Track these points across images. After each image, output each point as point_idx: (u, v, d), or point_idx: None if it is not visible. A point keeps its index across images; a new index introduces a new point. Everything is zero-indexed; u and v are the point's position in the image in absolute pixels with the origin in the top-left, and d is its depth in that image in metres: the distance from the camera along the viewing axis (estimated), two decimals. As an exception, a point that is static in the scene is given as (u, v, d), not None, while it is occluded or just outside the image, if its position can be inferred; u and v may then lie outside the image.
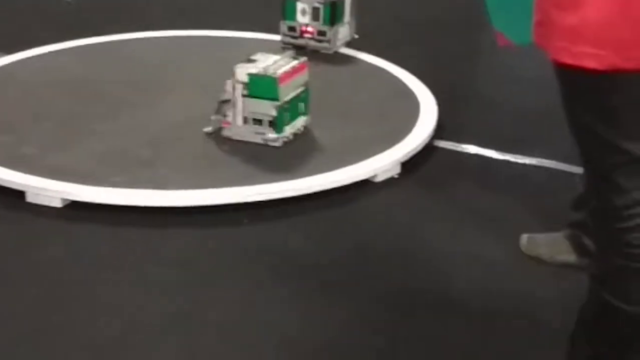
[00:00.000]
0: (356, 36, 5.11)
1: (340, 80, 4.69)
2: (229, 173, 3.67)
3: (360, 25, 5.13)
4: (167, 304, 2.94)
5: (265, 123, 3.85)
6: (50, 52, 4.89)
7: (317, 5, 4.91)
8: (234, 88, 3.87)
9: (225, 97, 3.91)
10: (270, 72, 3.84)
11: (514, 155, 3.98)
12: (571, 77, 2.34)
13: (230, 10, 5.79)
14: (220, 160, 3.81)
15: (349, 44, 5.06)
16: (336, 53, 4.96)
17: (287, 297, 3.00)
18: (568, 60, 2.30)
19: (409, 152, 3.87)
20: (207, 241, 3.33)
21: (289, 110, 3.90)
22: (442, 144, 4.09)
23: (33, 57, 4.81)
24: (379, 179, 3.74)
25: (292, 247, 3.31)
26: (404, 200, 3.64)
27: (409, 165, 3.84)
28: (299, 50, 4.94)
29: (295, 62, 3.97)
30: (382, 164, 3.76)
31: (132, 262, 3.18)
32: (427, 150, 3.97)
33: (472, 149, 4.06)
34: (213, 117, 3.95)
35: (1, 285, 3.03)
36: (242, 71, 3.85)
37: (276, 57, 3.99)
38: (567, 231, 3.17)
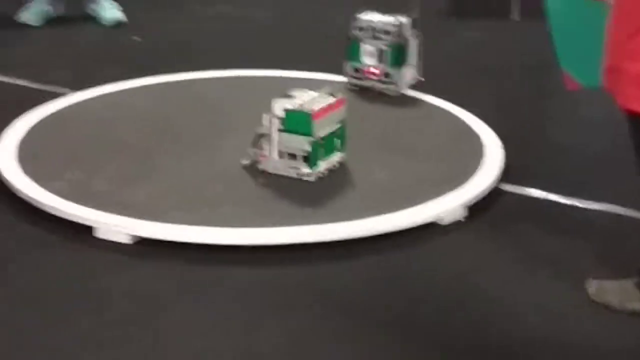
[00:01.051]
0: (422, 79, 5.12)
1: (404, 122, 4.69)
2: (291, 211, 3.71)
3: (426, 67, 5.14)
4: (231, 341, 2.96)
5: (300, 158, 3.89)
6: (119, 90, 4.97)
7: (383, 47, 4.93)
8: (270, 122, 3.92)
9: (263, 130, 3.96)
10: (305, 107, 3.88)
11: (581, 200, 3.95)
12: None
13: (298, 51, 5.83)
14: (282, 197, 3.83)
15: (415, 87, 5.07)
16: (402, 95, 4.97)
17: (345, 338, 2.99)
18: (638, 107, 2.30)
19: (476, 195, 3.85)
20: (270, 279, 3.34)
21: (324, 146, 3.94)
22: (508, 187, 4.07)
23: (103, 94, 4.90)
24: (446, 221, 3.73)
25: (355, 288, 3.30)
26: (470, 245, 3.62)
27: (476, 208, 3.82)
28: (365, 91, 4.98)
29: (332, 99, 4.02)
30: (449, 207, 3.75)
31: (195, 300, 3.20)
32: (493, 194, 3.96)
33: (538, 193, 4.03)
34: (250, 150, 3.99)
35: (62, 317, 3.07)
36: (279, 106, 3.91)
37: (314, 94, 4.04)
38: (637, 278, 3.13)
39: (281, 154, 3.95)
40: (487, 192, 3.91)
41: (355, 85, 5.01)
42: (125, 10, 6.35)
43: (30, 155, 4.14)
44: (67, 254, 3.47)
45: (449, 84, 5.24)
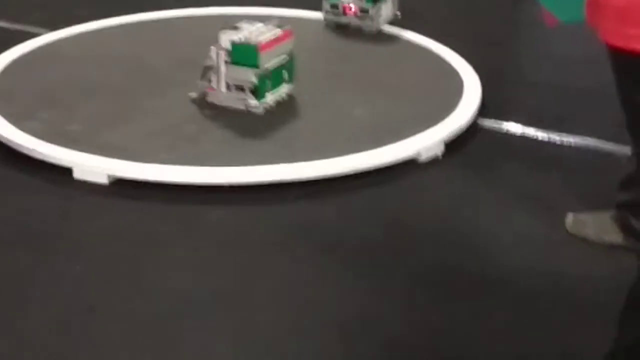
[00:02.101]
0: (399, 14, 5.09)
1: (382, 59, 4.68)
2: (271, 148, 3.70)
3: (403, 2, 5.11)
4: (213, 280, 2.97)
5: (247, 90, 3.91)
6: (94, 30, 4.92)
7: (360, -17, 4.90)
8: (217, 55, 3.91)
9: (210, 63, 3.96)
10: (251, 40, 3.87)
11: (559, 134, 3.96)
12: (622, 57, 2.33)
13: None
14: (260, 135, 3.83)
15: (392, 22, 5.04)
16: (379, 31, 4.94)
17: (329, 274, 3.01)
18: (617, 42, 2.30)
19: (453, 131, 3.86)
20: (250, 218, 3.35)
21: (271, 78, 3.95)
22: (486, 122, 4.07)
23: (78, 34, 4.85)
24: (423, 158, 3.73)
25: (336, 224, 3.31)
26: (448, 180, 3.63)
27: (453, 145, 3.83)
28: (342, 28, 4.95)
29: (279, 31, 4.02)
30: (427, 143, 3.75)
31: (177, 239, 3.20)
32: (471, 130, 3.96)
33: (516, 128, 4.04)
34: (198, 83, 4.01)
35: (46, 261, 3.06)
36: (225, 38, 3.91)
37: (261, 26, 4.04)
38: (614, 211, 3.16)
39: (228, 86, 3.95)
40: (464, 129, 3.91)
41: (332, 21, 4.98)
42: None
43: (5, 95, 4.10)
44: (45, 195, 3.46)
45: (427, 20, 5.23)
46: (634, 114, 2.39)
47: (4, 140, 3.73)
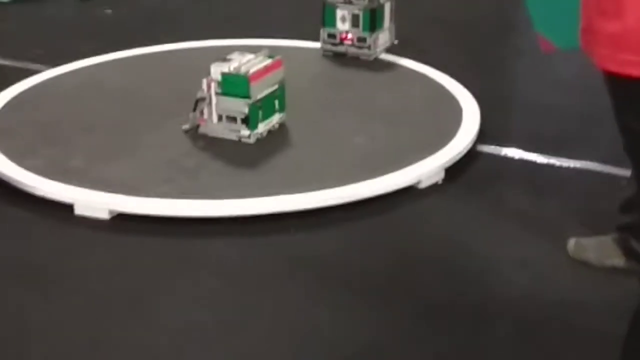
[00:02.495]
0: (396, 42, 5.11)
1: (380, 87, 4.69)
2: (268, 179, 3.71)
3: (399, 29, 5.13)
4: (215, 313, 2.97)
5: (239, 120, 3.93)
6: (94, 65, 4.94)
7: (356, 12, 4.92)
8: (209, 86, 3.95)
9: (202, 95, 4.00)
10: (242, 70, 3.90)
11: (559, 159, 3.96)
12: (619, 83, 2.33)
13: (273, 19, 5.81)
14: (257, 165, 3.85)
15: (389, 50, 5.06)
16: (376, 59, 4.96)
17: (332, 304, 3.01)
18: (613, 68, 2.30)
19: (453, 158, 3.86)
20: (251, 249, 3.35)
21: (262, 108, 3.97)
22: (485, 148, 4.08)
23: (77, 69, 4.87)
24: (423, 185, 3.73)
25: (336, 254, 3.31)
26: (448, 207, 3.63)
27: (453, 171, 3.83)
28: (340, 57, 4.97)
29: (269, 61, 4.05)
30: (427, 170, 3.76)
31: (178, 272, 3.20)
32: (470, 155, 3.97)
33: (515, 153, 4.04)
34: (190, 115, 4.03)
35: (47, 296, 3.06)
36: (216, 70, 3.94)
37: (251, 56, 4.09)
38: (615, 235, 3.16)
39: (220, 118, 3.98)
40: (463, 154, 3.91)
41: (330, 50, 5.00)
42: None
43: (6, 132, 4.12)
44: (46, 232, 3.46)
45: (423, 46, 5.25)
46: (632, 138, 2.39)
47: (5, 178, 3.73)
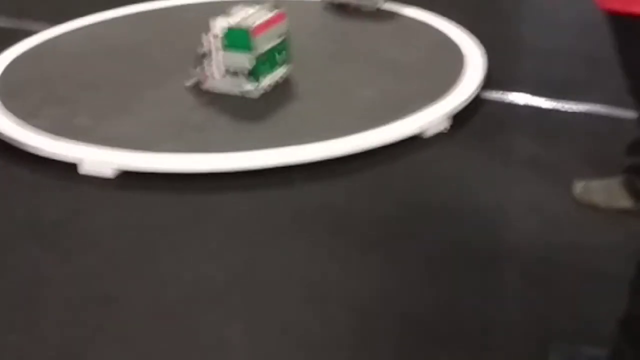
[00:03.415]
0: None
1: (384, 37, 4.66)
2: (274, 132, 3.70)
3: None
4: (225, 265, 2.98)
5: (242, 75, 3.89)
6: (94, 23, 4.92)
7: (357, -39, 4.88)
8: (210, 41, 3.91)
9: (203, 50, 3.95)
10: (244, 24, 3.86)
11: (564, 102, 3.94)
12: (622, 22, 2.30)
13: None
14: (262, 119, 3.83)
15: (391, -1, 5.03)
16: (379, 9, 4.92)
17: (341, 253, 3.01)
18: (616, 6, 2.27)
19: (458, 106, 3.84)
20: (259, 202, 3.35)
21: (266, 62, 3.94)
22: (491, 95, 4.05)
23: (78, 28, 4.85)
24: (429, 134, 3.72)
25: (344, 205, 3.31)
26: (455, 154, 3.63)
27: (458, 119, 3.82)
28: (342, 8, 4.93)
29: (271, 14, 4.00)
30: (432, 119, 3.74)
31: (187, 227, 3.21)
32: (476, 102, 3.95)
33: (521, 98, 4.02)
34: (193, 71, 4.00)
35: (59, 255, 3.08)
36: (218, 24, 3.90)
37: (252, 10, 4.03)
38: (622, 177, 3.15)
39: (223, 72, 3.94)
40: (468, 102, 3.89)
41: (332, 2, 4.96)
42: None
43: (9, 93, 4.11)
44: (53, 191, 3.46)
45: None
46: (636, 79, 2.36)
47: (10, 140, 3.73)
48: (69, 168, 3.56)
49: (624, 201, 3.13)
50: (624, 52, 2.37)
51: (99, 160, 3.53)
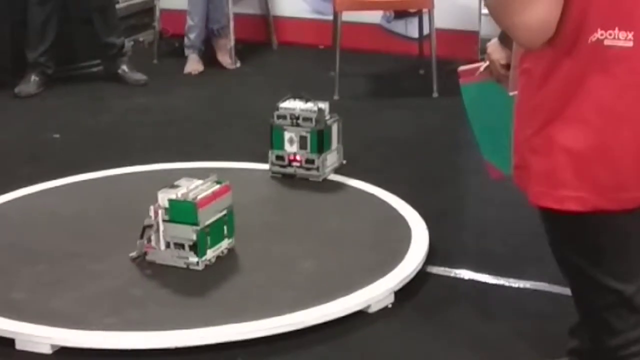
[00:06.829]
0: (344, 162, 5.13)
1: (329, 208, 4.68)
2: (216, 308, 3.66)
3: (347, 150, 5.15)
4: None
5: (187, 247, 3.89)
6: (39, 192, 4.86)
7: (304, 134, 4.93)
8: (156, 213, 3.92)
9: (149, 222, 3.96)
10: (189, 197, 3.88)
11: (509, 280, 3.95)
12: (555, 219, 2.31)
13: (219, 142, 5.81)
14: (204, 294, 3.79)
15: (338, 170, 5.07)
16: (325, 180, 4.96)
17: None
18: (551, 204, 2.28)
19: (402, 280, 3.83)
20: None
21: (211, 234, 3.94)
22: (435, 269, 4.05)
23: (21, 197, 4.79)
24: (373, 309, 3.69)
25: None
26: (399, 330, 3.59)
27: (404, 293, 3.80)
28: (288, 178, 4.96)
29: (216, 186, 4.04)
30: (376, 294, 3.72)
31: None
32: (420, 277, 3.93)
33: (465, 273, 4.02)
34: (138, 242, 3.99)
35: None
36: (164, 196, 3.93)
37: (198, 182, 4.06)
38: (566, 359, 3.11)
39: (168, 245, 3.94)
40: (412, 276, 3.88)
41: (278, 172, 4.99)
42: (44, 108, 6.28)
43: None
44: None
45: (372, 166, 5.26)
46: (573, 275, 2.35)
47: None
48: (6, 343, 3.46)
49: (568, 384, 3.08)
50: (561, 248, 2.36)
51: (35, 336, 3.44)
